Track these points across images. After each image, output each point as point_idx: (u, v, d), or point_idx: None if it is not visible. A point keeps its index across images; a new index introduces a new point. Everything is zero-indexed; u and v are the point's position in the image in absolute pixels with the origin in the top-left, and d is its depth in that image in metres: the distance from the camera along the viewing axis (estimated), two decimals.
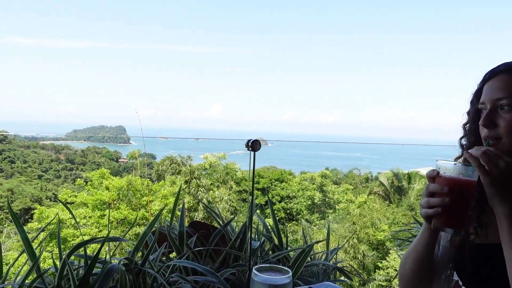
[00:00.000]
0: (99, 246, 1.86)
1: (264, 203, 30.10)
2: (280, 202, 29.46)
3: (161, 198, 17.96)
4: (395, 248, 16.25)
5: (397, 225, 20.67)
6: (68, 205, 17.88)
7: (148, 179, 20.63)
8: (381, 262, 16.90)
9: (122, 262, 1.86)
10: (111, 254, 2.19)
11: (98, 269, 1.91)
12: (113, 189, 18.12)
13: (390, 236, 16.62)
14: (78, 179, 22.22)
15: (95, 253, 1.77)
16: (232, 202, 22.63)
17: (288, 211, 29.54)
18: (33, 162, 53.56)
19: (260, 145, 1.61)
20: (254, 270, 1.18)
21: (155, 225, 2.20)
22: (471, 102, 1.46)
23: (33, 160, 54.21)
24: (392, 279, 14.90)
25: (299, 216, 28.64)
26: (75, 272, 1.92)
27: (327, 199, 30.55)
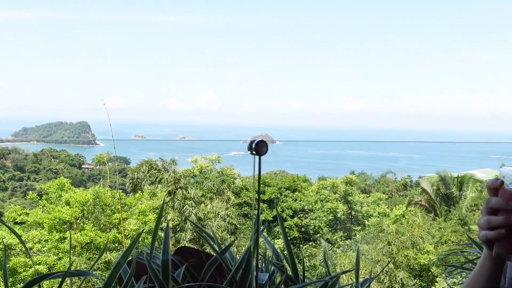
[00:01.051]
0: (58, 282, 1.84)
1: (272, 219, 29.99)
2: (292, 217, 29.49)
3: (138, 215, 17.98)
4: (443, 275, 16.17)
5: (446, 245, 20.57)
6: (18, 226, 17.93)
7: (121, 191, 20.63)
8: None
9: None
10: None
11: None
12: (76, 205, 18.15)
13: (436, 260, 16.59)
14: (30, 192, 22.25)
15: None
16: (231, 218, 22.65)
17: (303, 229, 29.57)
18: None
19: (268, 147, 1.60)
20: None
21: (132, 253, 2.18)
22: None
23: None
24: None
25: (318, 235, 28.64)
26: None
27: (353, 213, 30.55)
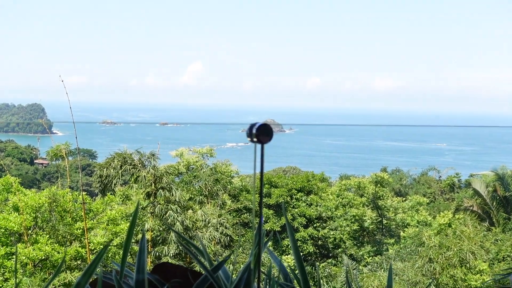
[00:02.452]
0: None
1: (279, 229, 29.90)
2: (306, 227, 29.55)
3: (107, 224, 18.04)
4: None
5: (504, 262, 20.53)
6: None
7: (85, 193, 20.64)
8: None
9: None
10: None
11: None
12: (27, 211, 18.21)
13: (492, 282, 16.65)
14: None
15: None
16: (225, 228, 22.70)
17: (320, 243, 29.65)
18: None
19: (272, 133, 1.59)
20: None
21: (96, 271, 2.18)
22: None
23: None
24: None
25: (339, 250, 28.72)
26: None
27: (385, 222, 30.52)
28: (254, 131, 1.57)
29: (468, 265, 18.86)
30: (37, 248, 16.94)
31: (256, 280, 2.08)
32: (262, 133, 1.56)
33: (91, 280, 2.33)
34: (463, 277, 18.65)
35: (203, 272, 2.46)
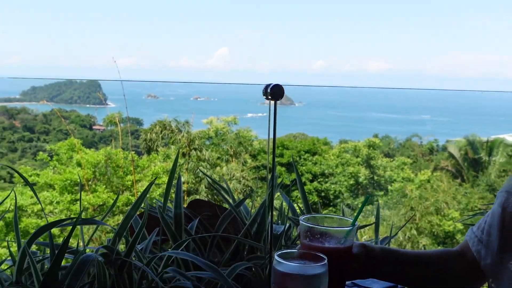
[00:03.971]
0: (68, 231, 1.90)
1: (290, 183, 29.95)
2: (312, 181, 29.59)
3: (151, 177, 18.20)
4: None
5: (472, 211, 20.59)
6: (29, 188, 18.25)
7: (133, 152, 20.80)
8: None
9: (99, 251, 1.91)
10: (86, 242, 2.24)
11: (68, 263, 1.95)
12: (87, 166, 18.42)
13: (462, 227, 16.68)
14: (41, 152, 22.55)
15: (63, 241, 1.82)
16: (247, 180, 22.82)
17: (323, 194, 29.69)
18: None
19: (284, 92, 1.62)
20: (276, 257, 1.21)
21: (143, 205, 2.24)
22: None
23: None
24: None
25: (338, 200, 28.77)
26: (39, 265, 1.98)
27: (376, 177, 30.54)
28: (268, 90, 1.61)
29: (442, 213, 18.95)
30: (96, 195, 17.22)
31: (270, 214, 2.11)
32: (274, 92, 1.60)
33: (138, 212, 2.39)
34: (438, 223, 18.74)
35: (228, 207, 2.50)
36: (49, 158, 20.60)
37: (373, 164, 31.08)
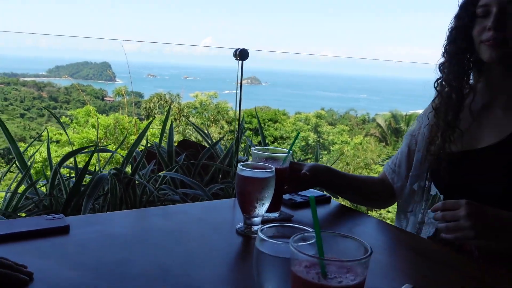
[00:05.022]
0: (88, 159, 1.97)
1: (256, 144, 30.23)
2: (273, 143, 29.77)
3: (150, 137, 18.10)
4: None
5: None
6: (54, 143, 18.03)
7: (136, 117, 20.66)
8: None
9: (112, 172, 1.98)
10: (102, 166, 2.32)
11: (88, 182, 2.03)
12: (100, 127, 18.24)
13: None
14: (63, 116, 22.25)
15: (85, 164, 1.89)
16: (223, 141, 22.88)
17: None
18: (15, 100, 53.09)
19: (248, 54, 1.70)
20: (239, 165, 1.29)
21: (143, 142, 2.31)
22: (464, 6, 1.49)
23: (14, 97, 53.70)
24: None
25: (295, 159, 29.01)
26: (66, 182, 2.05)
27: (321, 140, 30.90)
28: (237, 52, 1.69)
29: (370, 167, 19.24)
30: (107, 155, 17.09)
31: (236, 146, 2.20)
32: (241, 54, 1.67)
33: (140, 149, 2.46)
34: (367, 174, 19.06)
35: (207, 146, 2.59)
36: (70, 121, 20.39)
37: (319, 130, 31.40)
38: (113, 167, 2.03)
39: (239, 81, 1.78)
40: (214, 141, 2.72)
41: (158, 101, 22.62)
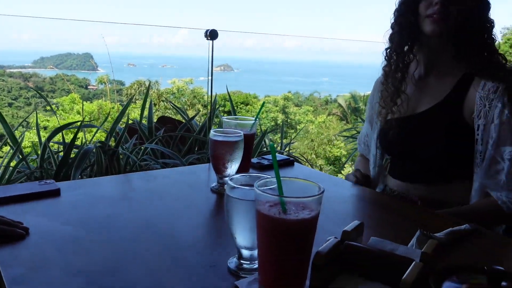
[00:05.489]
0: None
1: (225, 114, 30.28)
2: None
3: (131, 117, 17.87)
4: (349, 162, 16.98)
5: (353, 143, 21.37)
6: (42, 130, 17.63)
7: (118, 103, 20.35)
8: (336, 175, 17.73)
9: (97, 144, 1.98)
10: (88, 141, 2.31)
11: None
12: (85, 113, 17.87)
13: (345, 152, 17.27)
14: (51, 104, 21.72)
15: (72, 137, 1.88)
16: (198, 117, 22.76)
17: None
18: (2, 90, 51.40)
19: (218, 34, 1.71)
20: (212, 131, 1.32)
21: (124, 119, 2.30)
22: None
23: (2, 88, 51.96)
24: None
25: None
26: (56, 156, 2.04)
27: (289, 120, 31.10)
28: (208, 33, 1.70)
29: (332, 143, 19.45)
30: (91, 135, 16.81)
31: (211, 116, 2.22)
32: (212, 34, 1.69)
33: (122, 125, 2.45)
34: (330, 150, 19.29)
35: (184, 121, 2.60)
36: (56, 108, 19.93)
37: (287, 111, 31.57)
38: (98, 140, 2.03)
39: (210, 59, 1.79)
40: (190, 117, 2.74)
41: (138, 88, 22.28)
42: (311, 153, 18.41)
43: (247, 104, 31.65)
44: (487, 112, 1.39)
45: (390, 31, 1.58)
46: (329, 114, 30.82)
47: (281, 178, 0.76)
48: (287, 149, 3.01)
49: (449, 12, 1.39)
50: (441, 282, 0.66)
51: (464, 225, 1.11)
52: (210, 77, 1.87)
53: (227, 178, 0.87)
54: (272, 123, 31.11)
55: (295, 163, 1.66)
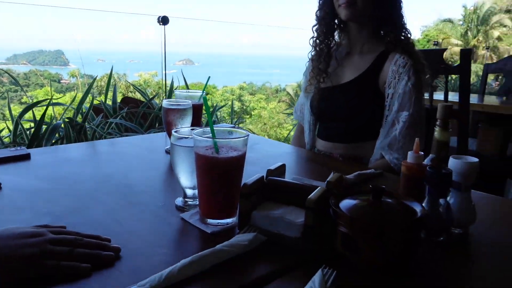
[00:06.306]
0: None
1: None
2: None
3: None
4: None
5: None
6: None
7: (90, 95, 19.62)
8: None
9: (65, 119, 1.95)
10: (58, 118, 2.26)
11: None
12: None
13: (293, 133, 17.50)
14: (24, 97, 20.58)
15: (42, 114, 1.84)
16: (159, 103, 22.29)
17: (214, 118, 29.74)
18: None
19: (169, 20, 1.72)
20: (165, 101, 1.35)
21: (89, 98, 2.27)
22: None
23: None
24: None
25: (223, 121, 29.04)
26: (28, 132, 2.00)
27: (244, 107, 31.14)
28: (160, 18, 1.70)
29: (282, 126, 19.64)
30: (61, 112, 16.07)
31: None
32: (164, 20, 1.69)
33: (88, 105, 2.41)
34: (280, 131, 19.49)
35: (145, 100, 2.58)
36: (30, 100, 18.95)
37: (242, 99, 31.53)
38: (66, 117, 2.00)
39: (163, 47, 1.80)
40: (150, 97, 2.72)
41: (114, 83, 21.57)
42: (265, 135, 18.57)
43: (207, 94, 31.21)
44: (396, 83, 1.49)
45: (314, 23, 1.66)
46: (279, 101, 31.07)
47: (214, 127, 0.81)
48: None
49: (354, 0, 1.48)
50: (339, 201, 0.74)
51: (371, 170, 1.21)
52: (163, 59, 1.88)
53: (173, 132, 0.91)
54: (230, 110, 31.04)
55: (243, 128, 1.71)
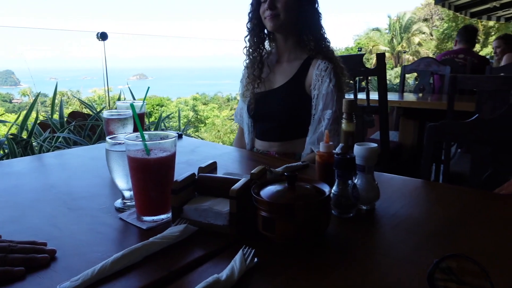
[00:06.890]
0: None
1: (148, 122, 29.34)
2: (162, 121, 28.94)
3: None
4: None
5: None
6: None
7: (44, 113, 18.61)
8: None
9: (8, 136, 1.86)
10: (3, 135, 2.15)
11: None
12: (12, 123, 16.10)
13: None
14: None
15: None
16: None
17: (168, 129, 29.24)
18: None
19: (107, 36, 1.70)
20: (105, 112, 1.33)
21: (34, 114, 2.17)
22: None
23: None
24: None
25: (170, 129, 28.57)
26: None
27: (198, 117, 30.90)
28: (98, 35, 1.68)
29: (234, 132, 19.64)
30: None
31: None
32: (102, 36, 1.67)
33: (34, 120, 2.30)
34: (233, 137, 19.50)
35: (93, 114, 2.51)
36: None
37: (196, 109, 31.22)
38: (9, 133, 1.90)
39: (104, 61, 1.77)
40: (98, 110, 2.65)
41: (61, 98, 20.55)
42: (219, 141, 18.49)
43: (162, 106, 30.80)
44: (320, 85, 1.58)
45: (246, 34, 1.71)
46: (231, 109, 31.17)
47: (144, 132, 0.83)
48: (192, 134, 3.05)
49: (277, 11, 1.55)
50: (260, 189, 0.78)
51: (298, 162, 1.27)
52: (105, 73, 1.85)
53: (108, 138, 0.91)
54: (185, 120, 30.72)
55: (183, 136, 1.72)
